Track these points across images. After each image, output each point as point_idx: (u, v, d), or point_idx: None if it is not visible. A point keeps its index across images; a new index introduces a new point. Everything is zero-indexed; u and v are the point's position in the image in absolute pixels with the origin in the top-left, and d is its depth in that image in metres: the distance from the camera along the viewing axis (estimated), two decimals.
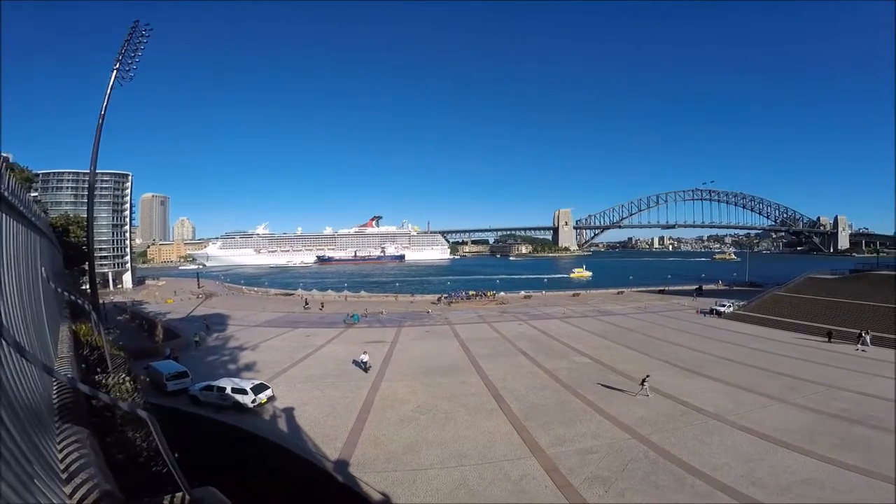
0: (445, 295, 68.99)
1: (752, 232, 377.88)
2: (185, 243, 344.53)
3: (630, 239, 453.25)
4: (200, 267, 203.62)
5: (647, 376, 22.75)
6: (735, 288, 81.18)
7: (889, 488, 13.30)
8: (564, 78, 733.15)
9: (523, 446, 16.89)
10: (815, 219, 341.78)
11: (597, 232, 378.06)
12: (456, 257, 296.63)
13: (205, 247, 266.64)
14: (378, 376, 26.56)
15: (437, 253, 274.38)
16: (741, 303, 52.92)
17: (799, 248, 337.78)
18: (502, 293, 73.66)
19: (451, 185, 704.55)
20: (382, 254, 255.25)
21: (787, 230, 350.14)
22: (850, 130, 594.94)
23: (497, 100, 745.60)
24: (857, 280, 49.73)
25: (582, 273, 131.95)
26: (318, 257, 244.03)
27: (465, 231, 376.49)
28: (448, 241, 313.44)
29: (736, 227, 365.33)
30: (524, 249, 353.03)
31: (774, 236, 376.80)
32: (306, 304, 64.46)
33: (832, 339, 35.61)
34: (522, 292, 76.40)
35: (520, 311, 55.56)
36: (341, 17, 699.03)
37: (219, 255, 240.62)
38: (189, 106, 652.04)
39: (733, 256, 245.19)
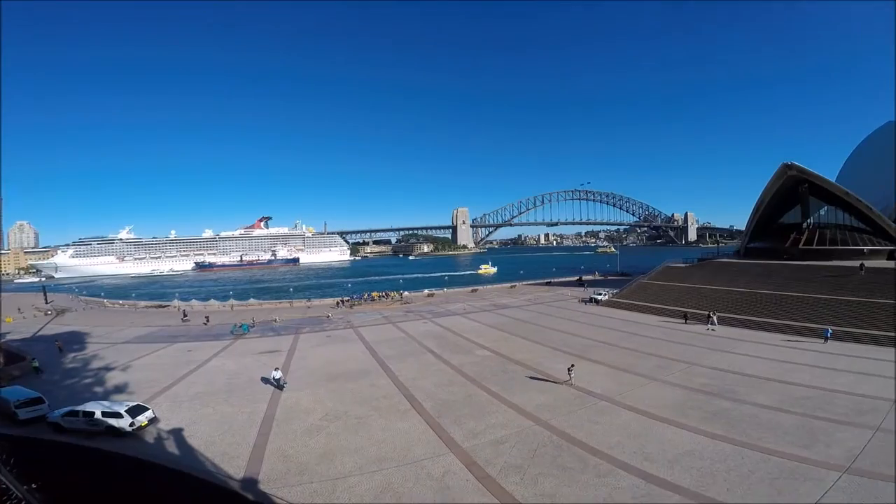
0: (347, 298, 66.51)
1: (621, 227, 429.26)
2: (26, 252, 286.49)
3: (520, 236, 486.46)
4: (44, 279, 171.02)
5: (573, 365, 24.59)
6: (609, 277, 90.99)
7: (752, 454, 15.48)
8: (453, 84, 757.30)
9: (440, 443, 17.05)
10: (670, 215, 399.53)
11: (491, 230, 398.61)
12: (357, 258, 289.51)
13: (52, 255, 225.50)
14: (277, 387, 24.65)
15: (336, 255, 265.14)
16: (614, 291, 59.33)
17: (658, 241, 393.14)
18: (406, 293, 73.39)
19: (350, 185, 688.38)
20: (273, 257, 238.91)
21: (649, 225, 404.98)
22: (696, 140, 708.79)
23: (393, 101, 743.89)
24: (703, 267, 59.07)
25: (488, 269, 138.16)
26: (197, 264, 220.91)
27: (366, 231, 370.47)
28: (348, 243, 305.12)
29: (608, 224, 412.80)
30: (426, 248, 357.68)
31: (639, 231, 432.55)
32: (185, 315, 57.08)
33: (688, 321, 41.55)
34: (426, 291, 76.83)
35: (424, 309, 55.77)
36: (224, 17, 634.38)
37: (71, 264, 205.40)
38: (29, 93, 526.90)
39: (613, 250, 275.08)
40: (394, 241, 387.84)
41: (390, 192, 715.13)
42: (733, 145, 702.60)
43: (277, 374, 25.16)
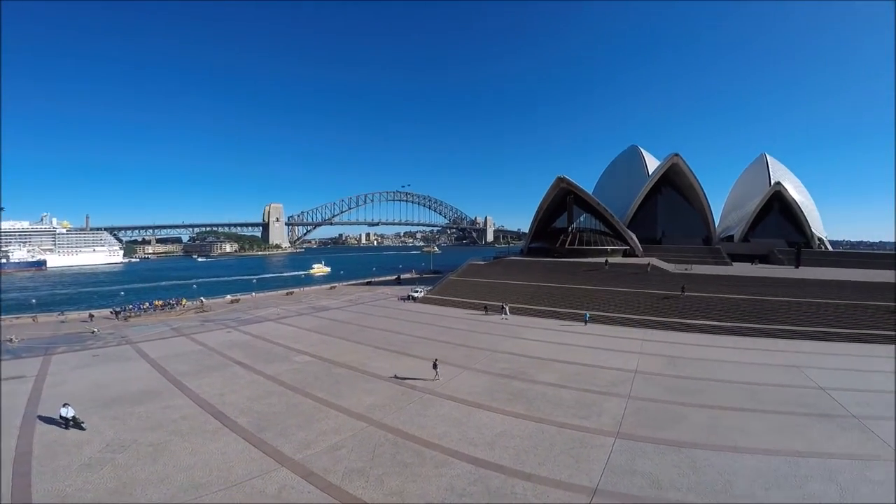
0: (119, 308, 53.42)
1: (435, 229, 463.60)
2: None
3: (341, 235, 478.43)
4: None
5: (437, 360, 25.02)
6: (424, 275, 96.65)
7: (549, 429, 17.84)
8: (262, 72, 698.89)
9: (267, 459, 15.34)
10: (473, 218, 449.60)
11: (309, 228, 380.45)
12: (134, 260, 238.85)
13: None
14: (25, 420, 18.87)
15: (103, 256, 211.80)
16: (428, 288, 63.11)
17: (464, 242, 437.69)
18: (202, 299, 63.16)
19: (128, 176, 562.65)
20: (5, 260, 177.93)
21: (457, 227, 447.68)
22: (493, 151, 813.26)
23: (191, 87, 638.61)
24: (497, 264, 67.59)
25: (322, 269, 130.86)
26: None
27: (148, 227, 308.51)
28: (121, 241, 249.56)
29: (424, 225, 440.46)
30: (229, 248, 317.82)
31: (449, 232, 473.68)
32: None
33: (488, 312, 46.81)
34: (229, 296, 67.76)
35: (227, 317, 48.91)
36: None
37: None
38: None
39: (437, 249, 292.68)
40: (186, 239, 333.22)
41: (185, 183, 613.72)
42: (521, 156, 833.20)
43: (68, 412, 18.16)
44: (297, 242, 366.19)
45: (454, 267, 77.49)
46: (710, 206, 79.31)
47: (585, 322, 41.28)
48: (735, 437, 16.83)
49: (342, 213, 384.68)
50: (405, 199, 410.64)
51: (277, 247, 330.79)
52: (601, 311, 44.19)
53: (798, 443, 16.35)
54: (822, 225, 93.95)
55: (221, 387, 23.72)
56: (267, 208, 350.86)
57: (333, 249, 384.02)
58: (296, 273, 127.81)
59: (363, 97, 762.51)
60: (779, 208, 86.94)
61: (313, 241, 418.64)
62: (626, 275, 54.13)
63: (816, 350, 32.05)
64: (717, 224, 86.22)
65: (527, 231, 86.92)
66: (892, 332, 35.24)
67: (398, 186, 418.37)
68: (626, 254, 70.18)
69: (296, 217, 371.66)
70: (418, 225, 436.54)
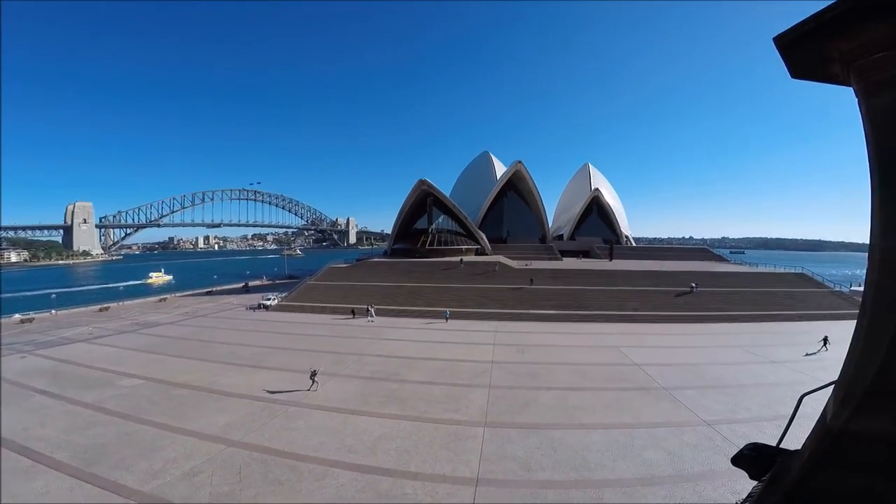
0: None
1: (290, 230, 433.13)
2: None
3: (172, 238, 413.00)
4: None
5: (314, 371, 22.95)
6: (278, 281, 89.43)
7: (425, 426, 18.05)
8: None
9: (108, 494, 13.15)
10: (334, 219, 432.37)
11: (130, 231, 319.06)
12: None
13: None
14: None
15: None
16: (283, 294, 58.58)
17: (324, 244, 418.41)
18: None
19: None
20: None
21: (316, 229, 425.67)
22: (355, 150, 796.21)
23: None
24: (361, 266, 66.36)
25: (161, 277, 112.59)
26: None
27: None
28: None
29: (277, 226, 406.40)
30: (15, 257, 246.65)
31: (307, 234, 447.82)
32: None
33: (355, 315, 45.43)
34: (18, 315, 52.62)
35: (18, 340, 37.97)
36: None
37: None
38: None
39: (300, 252, 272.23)
40: None
41: None
42: (384, 159, 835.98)
43: None
44: (114, 248, 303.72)
45: (312, 271, 73.41)
46: (544, 209, 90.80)
47: (447, 319, 43.09)
48: (580, 415, 19.33)
49: (173, 212, 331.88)
50: (254, 198, 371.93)
51: (86, 254, 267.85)
52: (459, 308, 46.68)
53: (627, 415, 19.42)
54: (629, 224, 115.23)
55: (22, 421, 18.99)
56: (70, 207, 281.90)
57: (162, 255, 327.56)
58: (115, 285, 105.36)
59: (200, 88, 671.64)
60: (597, 211, 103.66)
61: (135, 247, 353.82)
62: (478, 272, 58.30)
63: (629, 331, 38.92)
64: (550, 224, 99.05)
65: (390, 232, 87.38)
66: (680, 313, 44.89)
67: (245, 184, 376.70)
68: (478, 252, 75.60)
69: (111, 218, 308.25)
70: (270, 226, 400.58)
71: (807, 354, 29.87)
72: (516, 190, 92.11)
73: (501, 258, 66.68)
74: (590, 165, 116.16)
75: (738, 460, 3.32)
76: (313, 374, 23.35)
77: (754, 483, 3.16)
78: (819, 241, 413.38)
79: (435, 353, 30.62)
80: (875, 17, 1.80)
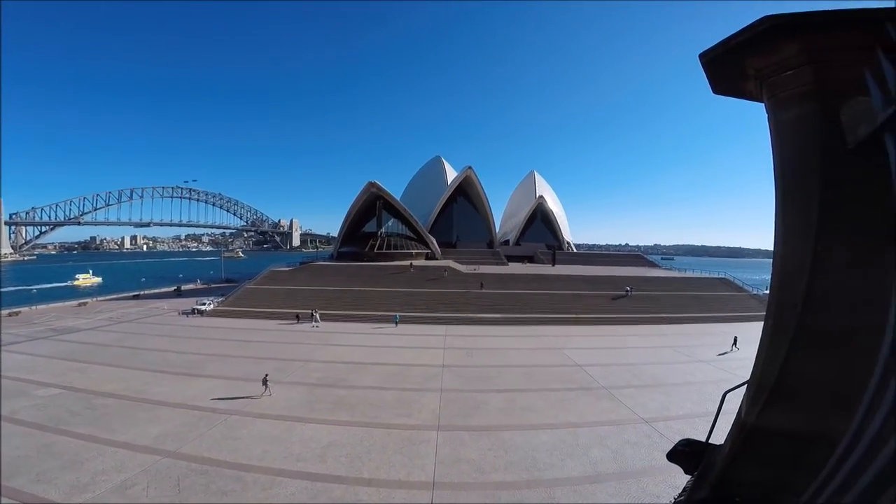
0: None
1: (227, 231, 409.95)
2: None
3: (94, 238, 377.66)
4: None
5: (267, 375, 22.13)
6: (213, 285, 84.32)
7: (377, 431, 17.72)
8: None
9: None
10: (277, 221, 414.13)
11: (45, 229, 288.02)
12: None
13: None
14: None
15: None
16: (220, 298, 55.38)
17: (265, 246, 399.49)
18: None
19: None
20: None
21: (256, 230, 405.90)
22: (299, 149, 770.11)
23: None
24: (304, 270, 64.08)
25: (89, 279, 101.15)
26: None
27: None
28: None
29: (213, 227, 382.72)
30: None
31: (246, 235, 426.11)
32: None
33: (300, 321, 43.79)
34: None
35: None
36: None
37: None
38: None
39: (241, 255, 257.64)
40: None
41: None
42: (331, 161, 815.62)
43: None
44: (26, 248, 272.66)
45: (252, 275, 69.92)
46: (492, 214, 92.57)
47: (396, 323, 42.66)
48: (528, 416, 19.85)
49: (96, 210, 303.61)
50: (189, 196, 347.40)
51: None
52: (409, 312, 46.37)
53: (572, 415, 20.17)
54: (570, 231, 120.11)
55: None
56: None
57: (82, 256, 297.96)
58: (28, 287, 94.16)
59: (129, 81, 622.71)
60: (541, 217, 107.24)
61: (51, 246, 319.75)
62: (428, 276, 58.28)
63: (571, 333, 40.52)
64: (498, 229, 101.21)
65: (337, 235, 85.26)
66: (617, 315, 47.35)
67: (179, 181, 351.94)
68: (428, 257, 75.63)
69: (23, 215, 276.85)
70: (206, 227, 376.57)
71: (719, 354, 32.48)
72: (466, 195, 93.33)
73: (451, 263, 67.12)
74: (535, 173, 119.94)
75: (672, 456, 3.53)
76: (265, 380, 22.45)
77: (688, 477, 3.36)
78: (739, 248, 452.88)
79: (384, 358, 30.17)
80: (786, 37, 2.00)
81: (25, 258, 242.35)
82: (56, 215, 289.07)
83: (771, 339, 2.32)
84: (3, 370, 26.88)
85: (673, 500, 3.34)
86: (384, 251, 72.43)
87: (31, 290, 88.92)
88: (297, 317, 44.59)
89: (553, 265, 78.81)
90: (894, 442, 1.49)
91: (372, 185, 74.23)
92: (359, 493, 13.39)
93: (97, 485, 13.54)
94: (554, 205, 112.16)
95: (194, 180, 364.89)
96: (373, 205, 78.80)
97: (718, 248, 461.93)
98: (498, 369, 27.66)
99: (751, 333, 33.71)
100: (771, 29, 2.00)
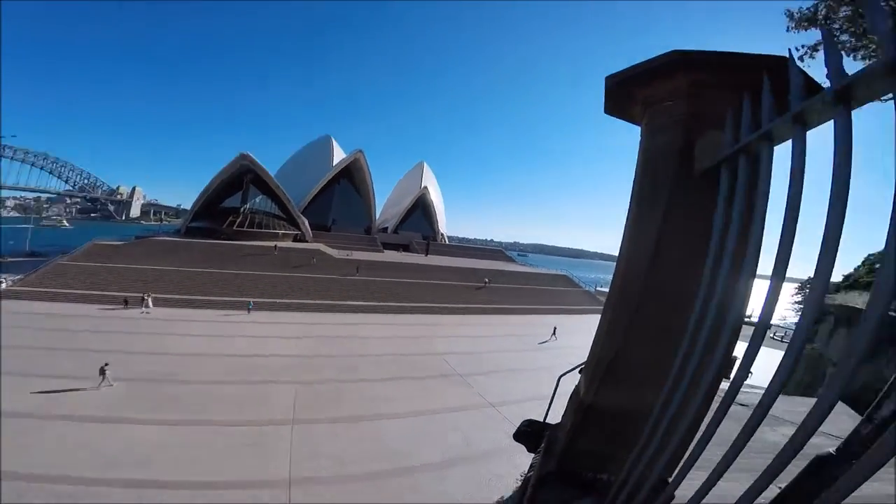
0: None
1: (47, 195, 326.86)
2: None
3: None
4: None
5: (106, 364, 18.80)
6: (11, 259, 67.02)
7: (224, 429, 16.07)
8: None
9: None
10: (114, 187, 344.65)
11: None
12: None
13: None
14: None
15: None
16: (19, 277, 44.09)
17: (93, 215, 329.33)
18: None
19: None
20: None
21: (85, 196, 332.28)
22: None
23: None
24: (139, 245, 54.48)
25: None
26: None
27: None
28: None
29: (25, 189, 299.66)
30: None
31: (69, 201, 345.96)
32: None
33: (128, 305, 37.08)
34: None
35: None
36: None
37: None
38: None
39: (66, 224, 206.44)
40: None
41: None
42: (193, 128, 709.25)
43: None
44: None
45: (68, 248, 57.14)
46: (375, 200, 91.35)
47: (249, 310, 39.05)
48: (390, 405, 19.77)
49: None
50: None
51: None
52: (267, 298, 42.98)
53: (431, 402, 20.74)
54: (446, 223, 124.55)
55: None
56: None
57: None
58: None
59: None
60: (422, 208, 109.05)
61: None
62: (294, 260, 54.85)
63: (435, 321, 41.94)
64: (378, 216, 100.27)
65: (188, 208, 74.64)
66: (477, 305, 50.71)
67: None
68: (296, 238, 71.15)
69: None
70: (15, 189, 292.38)
71: (540, 343, 36.68)
72: (351, 178, 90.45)
73: (322, 246, 64.11)
74: (424, 164, 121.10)
75: (518, 436, 3.78)
76: (103, 369, 19.18)
77: (532, 456, 3.64)
78: (580, 249, 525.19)
79: (232, 349, 27.21)
80: (682, 71, 2.20)
81: None
82: None
83: (608, 328, 2.58)
84: None
85: (525, 474, 3.59)
86: (245, 229, 65.73)
87: None
88: (126, 301, 37.63)
89: (426, 255, 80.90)
90: (690, 416, 1.73)
91: (244, 156, 66.57)
92: (195, 496, 11.94)
93: None
94: (435, 195, 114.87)
95: (14, 136, 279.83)
96: (239, 178, 70.98)
97: (565, 248, 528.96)
98: (359, 358, 27.06)
99: (570, 324, 39.23)
100: (676, 62, 2.18)
